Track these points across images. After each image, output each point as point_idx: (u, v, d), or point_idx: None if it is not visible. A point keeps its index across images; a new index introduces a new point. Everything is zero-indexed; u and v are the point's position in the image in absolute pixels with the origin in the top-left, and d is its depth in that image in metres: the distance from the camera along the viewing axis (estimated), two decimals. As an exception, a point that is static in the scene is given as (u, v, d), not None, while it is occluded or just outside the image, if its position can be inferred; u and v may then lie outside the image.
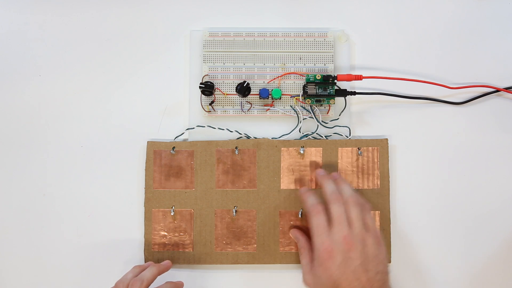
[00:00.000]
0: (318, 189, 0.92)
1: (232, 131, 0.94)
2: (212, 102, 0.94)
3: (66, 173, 0.95)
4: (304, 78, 0.94)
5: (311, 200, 0.86)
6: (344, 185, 0.86)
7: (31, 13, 0.99)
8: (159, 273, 0.86)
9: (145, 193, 0.93)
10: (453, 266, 0.92)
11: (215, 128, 0.94)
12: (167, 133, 0.95)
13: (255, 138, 0.94)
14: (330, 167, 0.93)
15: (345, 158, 0.93)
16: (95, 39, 0.98)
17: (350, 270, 0.79)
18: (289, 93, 0.94)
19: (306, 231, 0.90)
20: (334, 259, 0.80)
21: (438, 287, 0.91)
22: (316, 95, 0.91)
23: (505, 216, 0.93)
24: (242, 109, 0.94)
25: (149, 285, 0.83)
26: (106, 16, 0.98)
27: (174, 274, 0.91)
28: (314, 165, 0.93)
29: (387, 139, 0.94)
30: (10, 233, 0.94)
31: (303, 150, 0.93)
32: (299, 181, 0.93)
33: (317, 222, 0.83)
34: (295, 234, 0.90)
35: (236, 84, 0.92)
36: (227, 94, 0.94)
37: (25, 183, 0.95)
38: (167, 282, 0.87)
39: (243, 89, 0.92)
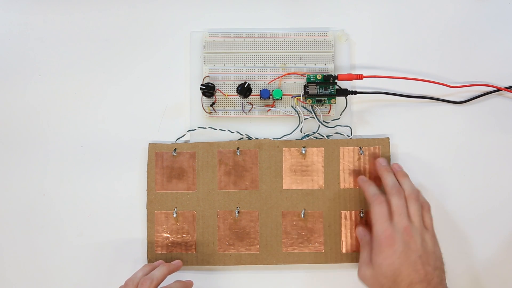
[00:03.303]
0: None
1: (233, 132, 0.94)
2: (213, 103, 0.94)
3: (66, 173, 0.95)
4: (304, 78, 0.94)
5: (372, 190, 0.87)
6: (405, 179, 0.87)
7: (31, 13, 0.99)
8: (169, 273, 0.86)
9: (148, 195, 0.93)
10: (453, 266, 0.92)
11: (216, 129, 0.94)
12: (167, 135, 0.95)
13: (257, 138, 0.94)
14: (332, 166, 0.93)
15: (347, 157, 0.93)
16: (95, 39, 0.98)
17: (410, 260, 0.80)
18: (290, 93, 0.94)
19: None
20: (395, 246, 0.81)
21: (439, 286, 0.92)
22: (317, 95, 0.91)
23: (505, 216, 0.94)
24: (243, 110, 0.94)
25: (159, 284, 0.83)
26: (106, 16, 0.98)
27: (177, 275, 0.90)
28: (316, 165, 0.93)
29: (388, 138, 0.94)
30: (10, 233, 0.94)
31: (305, 150, 0.93)
32: (301, 182, 0.93)
33: (380, 210, 0.83)
34: (360, 231, 0.89)
35: (237, 85, 0.92)
36: (228, 95, 0.94)
37: (25, 183, 0.95)
38: (176, 281, 0.87)
39: (244, 90, 0.92)
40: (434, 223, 0.86)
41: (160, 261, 0.90)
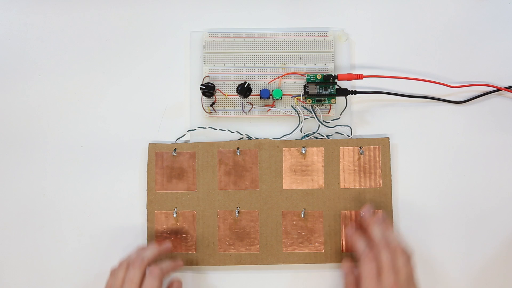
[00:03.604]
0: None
1: (233, 132, 0.94)
2: (213, 103, 0.94)
3: (66, 173, 0.95)
4: (304, 78, 0.94)
5: (362, 245, 0.86)
6: (390, 231, 0.87)
7: (31, 13, 0.99)
8: (160, 253, 0.88)
9: (148, 195, 0.93)
10: (453, 266, 0.92)
11: (216, 129, 0.94)
12: (167, 135, 0.95)
13: (257, 138, 0.94)
14: (332, 166, 0.93)
15: (347, 157, 0.93)
16: (95, 39, 0.98)
17: None
18: (290, 93, 0.94)
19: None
20: None
21: (438, 287, 0.92)
22: (317, 95, 0.91)
23: (505, 216, 0.93)
24: (243, 110, 0.94)
25: (149, 263, 0.85)
26: (106, 16, 0.98)
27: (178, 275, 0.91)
28: (316, 165, 0.93)
29: (388, 137, 0.94)
30: (10, 233, 0.94)
31: (305, 150, 0.93)
32: (301, 182, 0.93)
33: (370, 268, 0.83)
34: (345, 269, 0.90)
35: (237, 85, 0.92)
36: (228, 95, 0.94)
37: (25, 183, 0.95)
38: (166, 261, 0.88)
39: (244, 90, 0.92)
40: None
41: (152, 244, 0.91)
